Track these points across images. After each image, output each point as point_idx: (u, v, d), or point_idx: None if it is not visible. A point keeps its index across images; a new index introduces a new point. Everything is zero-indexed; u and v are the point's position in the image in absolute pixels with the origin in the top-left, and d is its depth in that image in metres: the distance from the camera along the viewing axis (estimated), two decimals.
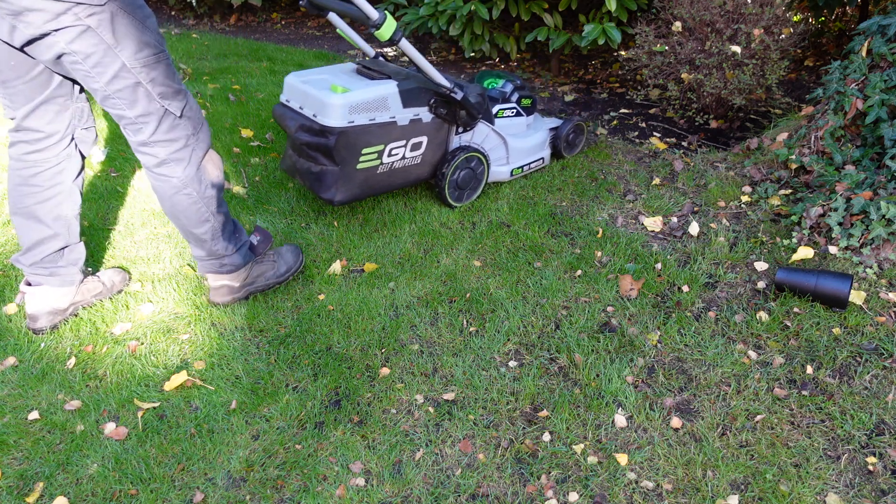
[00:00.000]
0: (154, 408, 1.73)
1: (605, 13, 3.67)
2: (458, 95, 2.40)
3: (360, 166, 2.31)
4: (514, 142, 2.80)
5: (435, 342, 1.97)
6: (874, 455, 1.59)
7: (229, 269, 2.00)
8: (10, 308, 2.04)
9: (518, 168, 2.85)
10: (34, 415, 1.70)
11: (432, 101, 2.40)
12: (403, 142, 2.40)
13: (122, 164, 2.86)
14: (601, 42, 3.55)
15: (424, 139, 2.46)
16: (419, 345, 1.96)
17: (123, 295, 2.11)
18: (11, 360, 1.86)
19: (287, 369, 1.86)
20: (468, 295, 2.15)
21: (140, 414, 1.71)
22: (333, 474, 1.56)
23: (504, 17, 4.28)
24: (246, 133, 3.26)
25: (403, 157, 2.43)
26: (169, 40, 5.01)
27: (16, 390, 1.77)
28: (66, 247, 1.91)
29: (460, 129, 2.57)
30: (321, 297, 2.15)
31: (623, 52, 4.37)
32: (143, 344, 1.93)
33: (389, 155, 2.38)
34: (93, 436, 1.65)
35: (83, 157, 1.90)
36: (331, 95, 2.20)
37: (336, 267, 2.28)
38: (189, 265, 2.27)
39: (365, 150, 2.29)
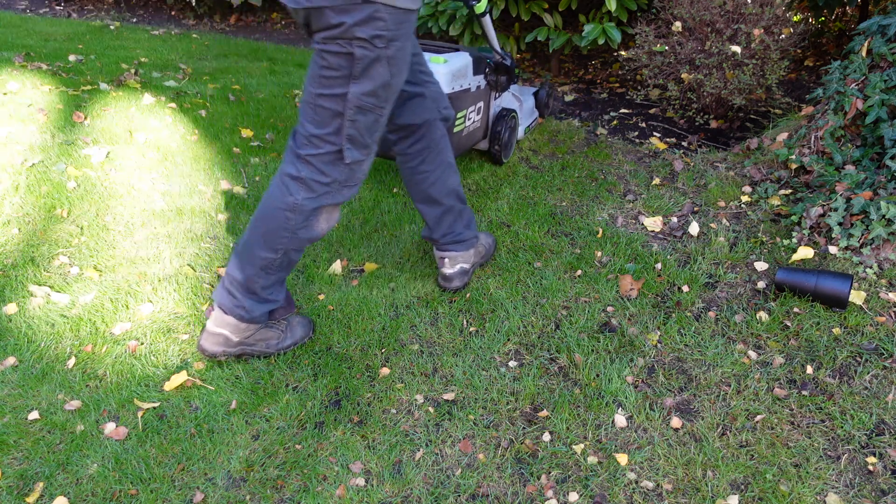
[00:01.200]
0: (154, 408, 1.73)
1: (605, 13, 3.67)
2: (509, 62, 2.67)
3: (455, 130, 2.54)
4: (524, 104, 3.19)
5: (435, 342, 1.97)
6: (874, 455, 1.59)
7: (240, 316, 1.79)
8: (10, 308, 2.04)
9: (527, 127, 3.23)
10: (34, 415, 1.70)
11: (487, 68, 2.66)
12: (473, 106, 2.70)
13: (123, 164, 2.86)
14: (601, 42, 3.55)
15: (482, 104, 2.78)
16: (419, 345, 1.96)
17: (123, 295, 2.11)
18: (11, 360, 1.86)
19: (287, 369, 1.86)
20: (468, 295, 2.15)
21: (140, 414, 1.71)
22: (333, 474, 1.56)
23: (504, 17, 4.28)
24: (246, 133, 3.26)
25: (473, 122, 2.73)
26: (169, 40, 5.01)
27: (16, 390, 1.77)
28: (461, 213, 2.11)
29: (497, 94, 2.88)
30: (321, 297, 2.15)
31: (623, 52, 4.37)
32: (143, 344, 1.93)
33: (467, 119, 2.65)
34: (93, 436, 1.65)
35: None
36: (437, 65, 2.42)
37: (336, 267, 2.28)
38: (189, 265, 2.27)
39: (458, 115, 2.53)
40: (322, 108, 1.61)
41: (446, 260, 2.14)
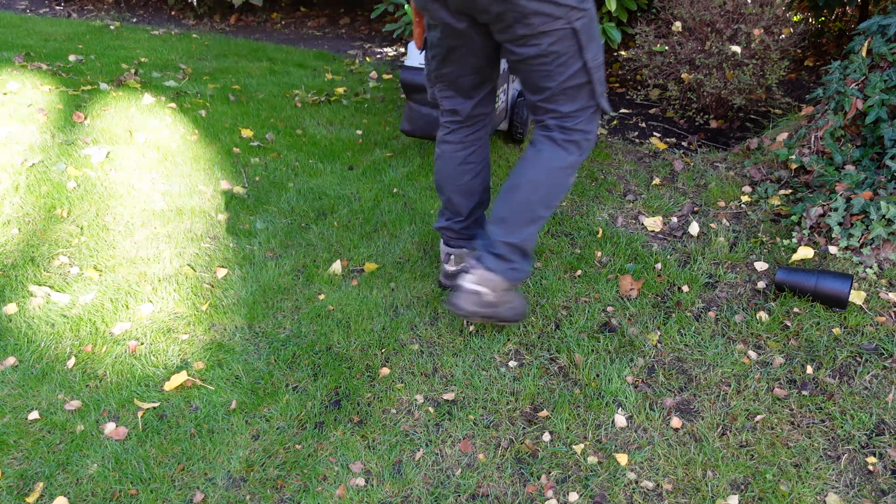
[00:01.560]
0: (154, 408, 1.73)
1: (604, 13, 3.67)
2: None
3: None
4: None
5: (435, 342, 1.97)
6: (874, 455, 1.59)
7: (513, 276, 1.83)
8: (10, 308, 2.04)
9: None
10: (34, 415, 1.70)
11: None
12: (504, 86, 2.81)
13: (123, 164, 2.86)
14: (601, 42, 3.54)
15: (506, 85, 2.86)
16: (419, 345, 1.96)
17: (123, 295, 2.11)
18: (11, 360, 1.86)
19: (287, 369, 1.86)
20: None
21: (140, 414, 1.71)
22: (333, 474, 1.56)
23: None
24: (246, 133, 3.26)
25: (502, 101, 2.83)
26: (169, 40, 5.01)
27: (16, 390, 1.77)
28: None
29: (514, 77, 2.96)
30: (321, 297, 2.15)
31: (623, 52, 4.37)
32: (142, 344, 1.93)
33: (498, 99, 2.73)
34: (93, 436, 1.65)
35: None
36: None
37: (336, 267, 2.28)
38: (189, 265, 2.27)
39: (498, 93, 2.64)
40: (569, 89, 1.74)
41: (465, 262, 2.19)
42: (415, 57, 2.68)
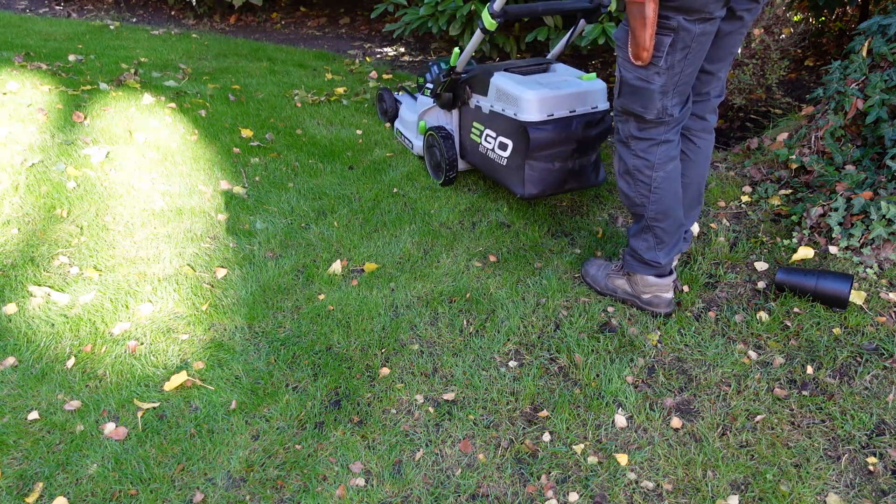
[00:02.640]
0: (154, 408, 1.73)
1: (605, 13, 3.67)
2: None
3: None
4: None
5: (435, 342, 1.97)
6: (874, 455, 1.59)
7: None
8: (10, 308, 2.04)
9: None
10: (34, 415, 1.70)
11: None
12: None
13: (123, 164, 2.86)
14: (601, 42, 3.54)
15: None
16: (419, 345, 1.96)
17: (123, 295, 2.11)
18: (11, 360, 1.86)
19: (287, 369, 1.86)
20: (468, 295, 2.15)
21: (140, 414, 1.71)
22: (333, 474, 1.56)
23: None
24: (246, 133, 3.26)
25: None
26: (169, 40, 5.01)
27: (15, 390, 1.77)
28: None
29: None
30: (321, 297, 2.15)
31: None
32: (142, 344, 1.93)
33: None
34: (92, 436, 1.65)
35: None
36: (596, 82, 2.38)
37: (336, 267, 2.28)
38: (189, 265, 2.27)
39: None
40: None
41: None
42: (537, 109, 2.29)
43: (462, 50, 2.57)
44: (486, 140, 2.52)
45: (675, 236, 2.00)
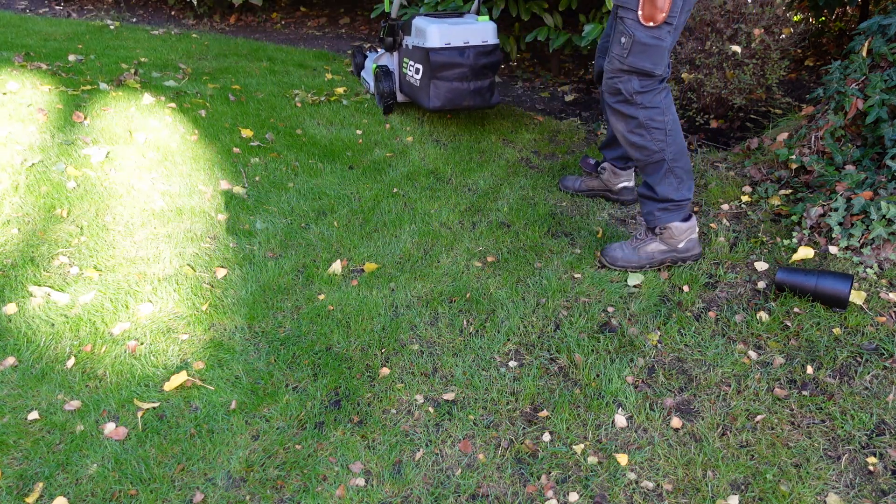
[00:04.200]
0: (154, 408, 1.73)
1: (605, 13, 3.67)
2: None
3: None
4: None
5: (435, 342, 1.97)
6: (874, 455, 1.59)
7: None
8: (10, 308, 2.04)
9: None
10: (34, 415, 1.70)
11: None
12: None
13: (123, 164, 2.86)
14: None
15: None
16: (419, 345, 1.96)
17: (123, 295, 2.11)
18: (11, 360, 1.86)
19: (287, 369, 1.86)
20: (468, 295, 2.15)
21: (140, 414, 1.71)
22: (333, 474, 1.56)
23: (504, 17, 4.28)
24: (246, 133, 3.26)
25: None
26: (169, 40, 5.01)
27: (15, 390, 1.77)
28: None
29: None
30: (321, 297, 2.15)
31: None
32: (142, 344, 1.93)
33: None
34: (92, 436, 1.65)
35: None
36: (488, 22, 3.05)
37: (336, 267, 2.28)
38: (189, 265, 2.27)
39: None
40: None
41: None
42: (437, 38, 2.97)
43: None
44: (409, 69, 3.21)
45: (690, 171, 2.18)
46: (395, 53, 3.40)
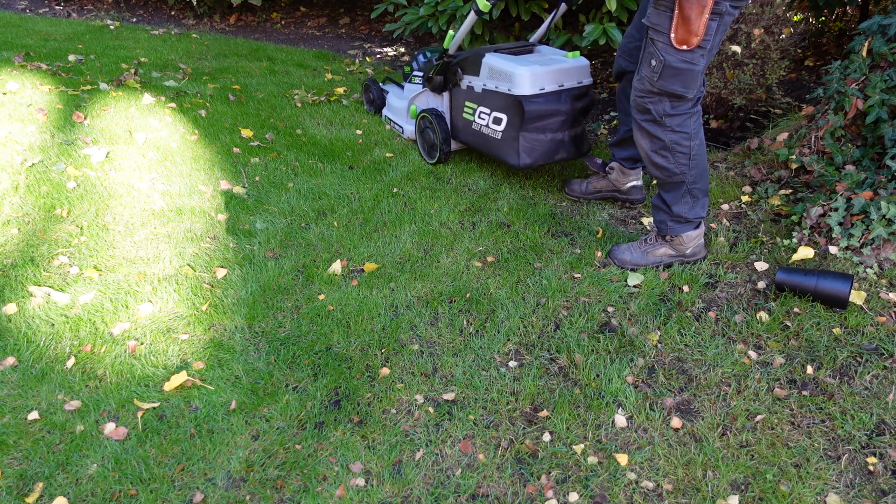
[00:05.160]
0: (154, 408, 1.73)
1: (605, 13, 3.67)
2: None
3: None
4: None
5: (435, 342, 1.97)
6: (874, 455, 1.59)
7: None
8: (10, 308, 2.04)
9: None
10: (34, 415, 1.70)
11: None
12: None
13: (123, 164, 2.86)
14: (601, 42, 3.54)
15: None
16: (419, 345, 1.96)
17: (123, 295, 2.11)
18: (11, 360, 1.86)
19: (287, 369, 1.86)
20: (468, 295, 2.15)
21: (140, 414, 1.71)
22: (333, 474, 1.56)
23: (504, 17, 4.28)
24: (246, 133, 3.26)
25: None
26: (169, 40, 5.01)
27: (15, 390, 1.77)
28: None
29: None
30: (321, 297, 2.15)
31: None
32: (142, 344, 1.93)
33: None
34: (92, 436, 1.65)
35: None
36: (580, 59, 2.59)
37: (336, 267, 2.28)
38: (189, 265, 2.27)
39: None
40: None
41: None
42: (528, 84, 2.48)
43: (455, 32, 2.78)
44: (479, 117, 2.71)
45: (707, 190, 2.17)
46: (445, 94, 2.92)
